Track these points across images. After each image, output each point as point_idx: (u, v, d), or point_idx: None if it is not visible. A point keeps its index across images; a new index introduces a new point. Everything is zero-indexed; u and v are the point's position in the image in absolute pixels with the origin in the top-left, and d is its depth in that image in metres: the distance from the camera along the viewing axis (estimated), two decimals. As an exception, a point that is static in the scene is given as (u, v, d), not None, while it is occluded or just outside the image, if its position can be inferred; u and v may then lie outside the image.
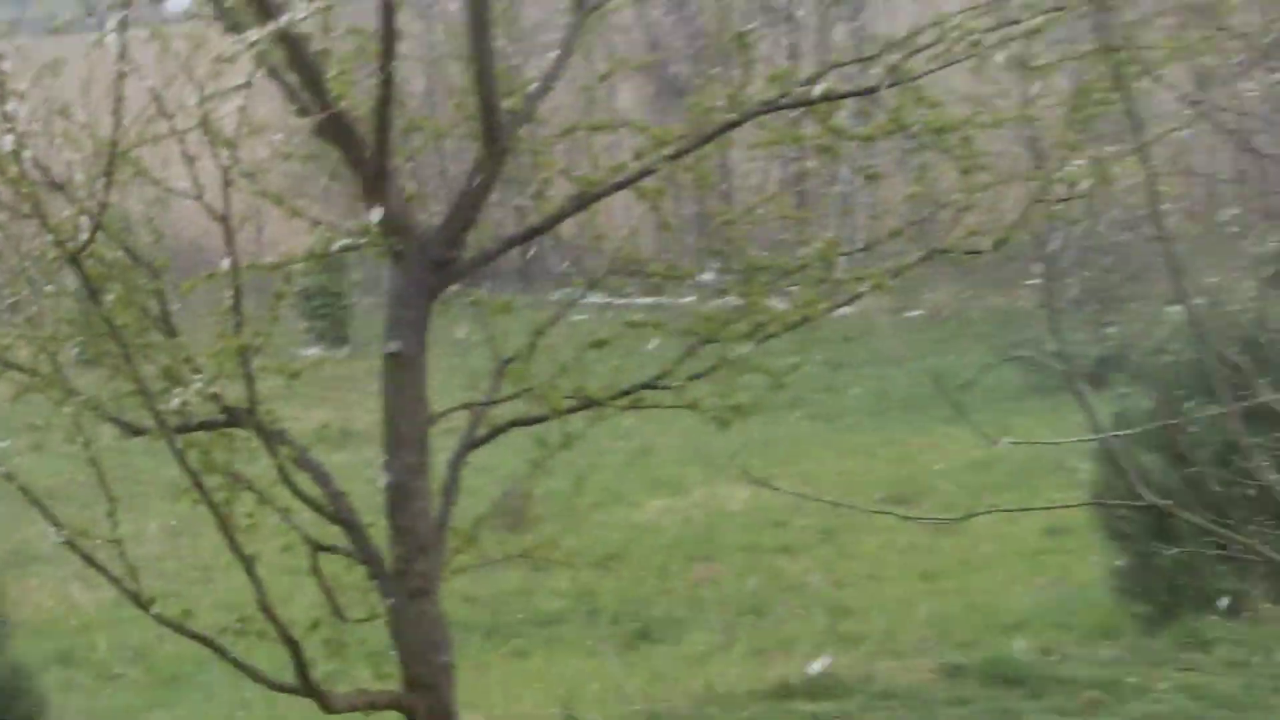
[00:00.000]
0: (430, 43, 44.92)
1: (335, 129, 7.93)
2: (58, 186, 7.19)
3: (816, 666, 18.33)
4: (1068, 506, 18.78)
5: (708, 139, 9.14)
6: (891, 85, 8.86)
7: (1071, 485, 18.84)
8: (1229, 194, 39.45)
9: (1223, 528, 10.08)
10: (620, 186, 9.19)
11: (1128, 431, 11.07)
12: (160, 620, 8.06)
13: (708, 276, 10.77)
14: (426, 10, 48.95)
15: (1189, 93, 10.78)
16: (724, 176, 15.57)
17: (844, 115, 9.66)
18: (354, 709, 8.62)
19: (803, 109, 9.20)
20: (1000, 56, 9.21)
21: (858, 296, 9.40)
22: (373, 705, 8.62)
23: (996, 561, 24.58)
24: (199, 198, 7.33)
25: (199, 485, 7.38)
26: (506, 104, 8.59)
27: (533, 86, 8.95)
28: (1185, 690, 17.59)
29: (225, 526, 7.55)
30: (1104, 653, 19.58)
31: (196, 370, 7.40)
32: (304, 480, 8.41)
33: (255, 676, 8.49)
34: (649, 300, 11.24)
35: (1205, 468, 14.05)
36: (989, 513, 7.83)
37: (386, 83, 7.87)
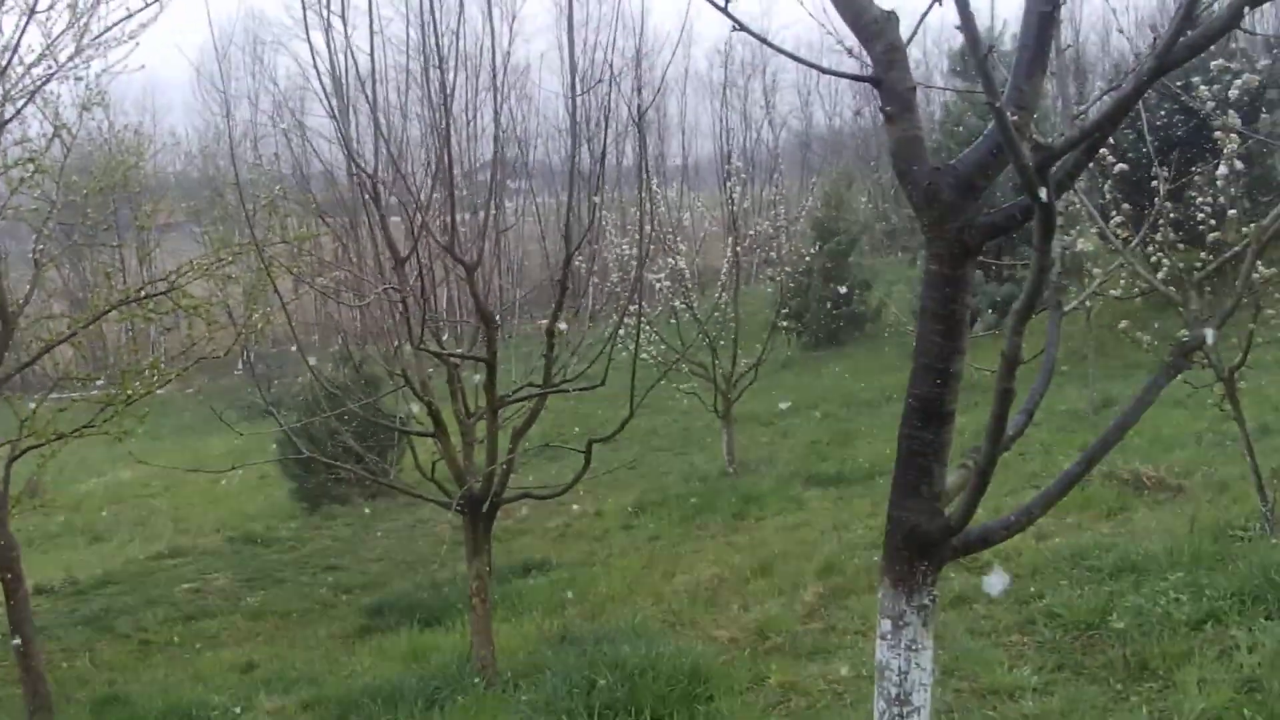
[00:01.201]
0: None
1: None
2: None
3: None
4: (267, 462, 25.46)
5: (95, 319, 14.19)
6: (170, 290, 14.18)
7: (268, 455, 25.71)
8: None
9: (335, 465, 14.32)
10: (58, 344, 13.93)
11: (295, 425, 15.54)
12: None
13: (102, 380, 15.28)
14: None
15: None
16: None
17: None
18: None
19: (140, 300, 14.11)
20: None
21: (169, 381, 14.38)
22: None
23: (238, 491, 32.64)
24: None
25: None
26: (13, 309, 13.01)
27: (20, 301, 13.57)
28: (330, 537, 24.91)
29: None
30: (293, 524, 26.83)
31: None
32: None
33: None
34: (76, 394, 14.92)
35: (324, 439, 20.01)
36: (237, 467, 11.78)
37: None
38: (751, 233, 27.56)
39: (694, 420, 30.98)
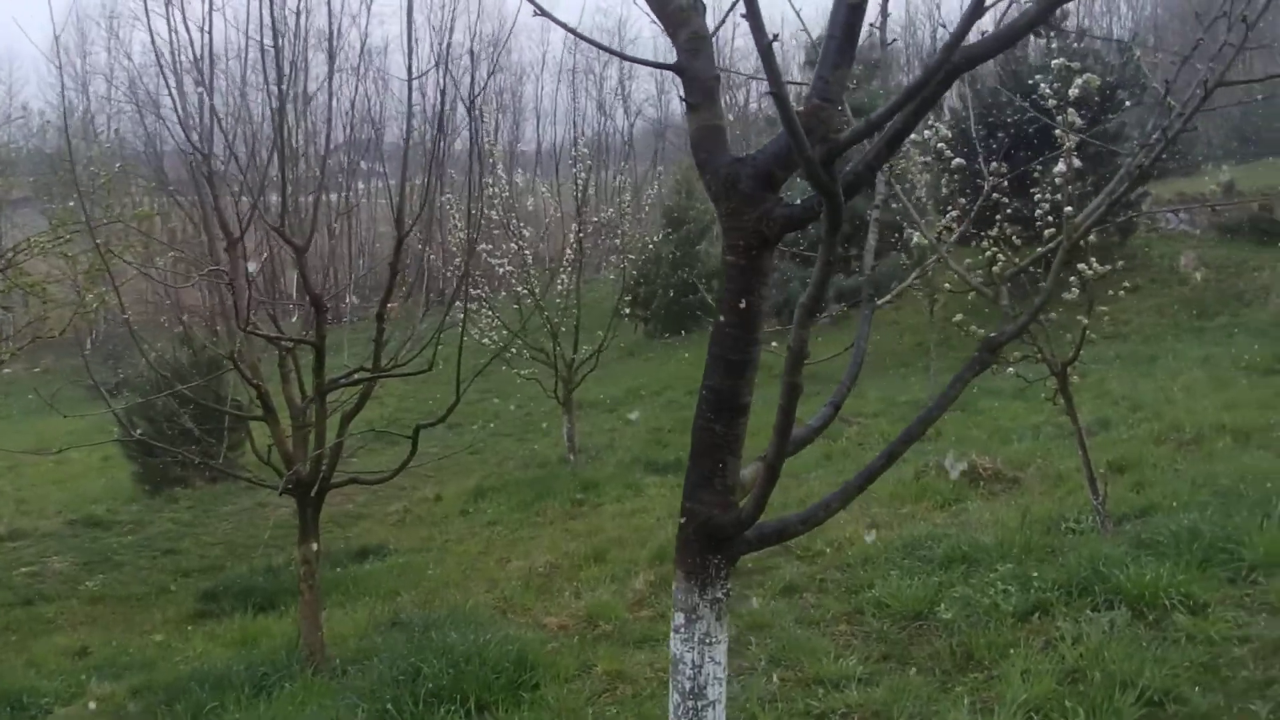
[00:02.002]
0: None
1: None
2: None
3: None
4: (98, 444, 23.64)
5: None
6: (7, 268, 14.40)
7: (108, 435, 25.23)
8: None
9: (166, 449, 15.20)
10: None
11: (133, 406, 15.97)
12: None
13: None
14: None
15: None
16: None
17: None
18: None
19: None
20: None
21: (1, 362, 14.24)
22: None
23: (82, 473, 32.04)
24: None
25: None
26: None
27: None
28: (171, 520, 24.11)
29: None
30: (135, 507, 26.15)
31: None
32: None
33: None
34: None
35: (163, 421, 19.83)
36: (65, 449, 11.53)
37: None
38: (595, 219, 27.56)
39: (538, 406, 31.03)
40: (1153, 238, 35.56)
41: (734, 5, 4.21)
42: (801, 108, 3.57)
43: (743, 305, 4.06)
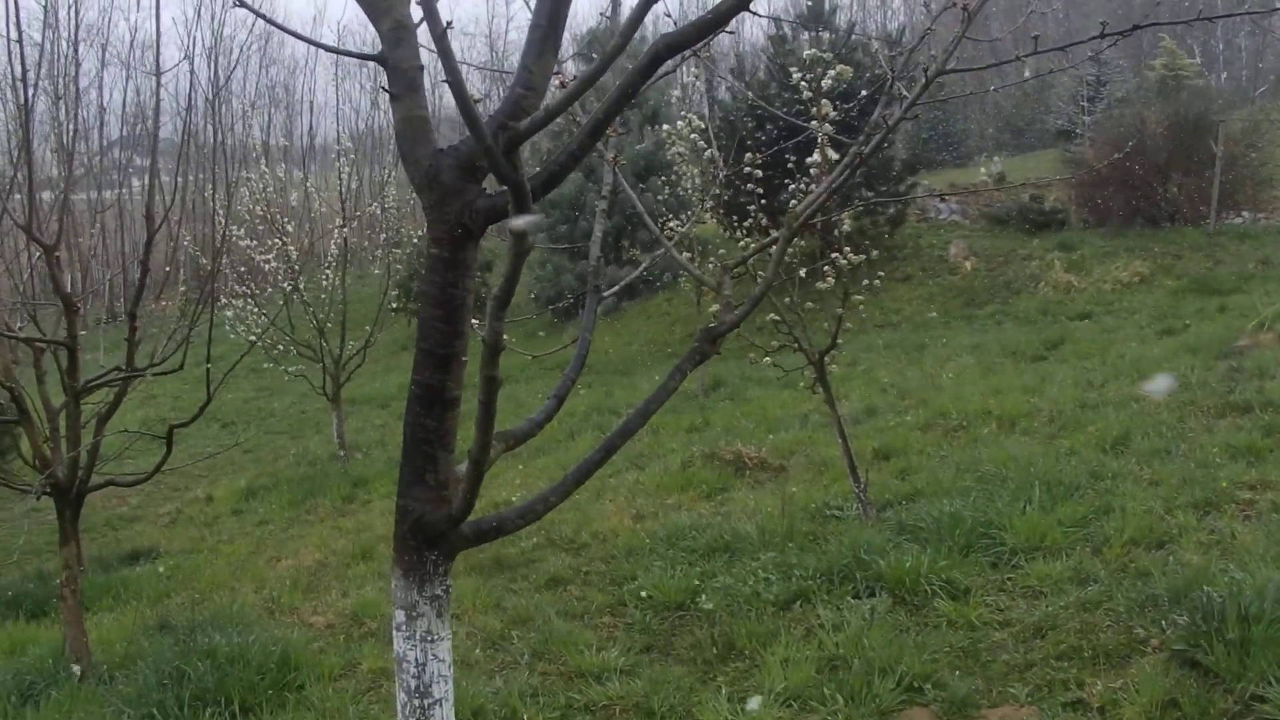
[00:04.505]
0: None
1: None
2: None
3: None
4: None
5: None
6: None
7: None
8: None
9: None
10: None
11: None
12: None
13: None
14: None
15: None
16: None
17: None
18: None
19: None
20: None
21: None
22: None
23: None
24: None
25: None
26: None
27: None
28: None
29: None
30: None
31: None
32: None
33: None
34: None
35: None
36: None
37: None
38: (358, 214, 27.35)
39: (312, 403, 30.55)
40: (923, 228, 36.22)
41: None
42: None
43: (447, 298, 4.01)
